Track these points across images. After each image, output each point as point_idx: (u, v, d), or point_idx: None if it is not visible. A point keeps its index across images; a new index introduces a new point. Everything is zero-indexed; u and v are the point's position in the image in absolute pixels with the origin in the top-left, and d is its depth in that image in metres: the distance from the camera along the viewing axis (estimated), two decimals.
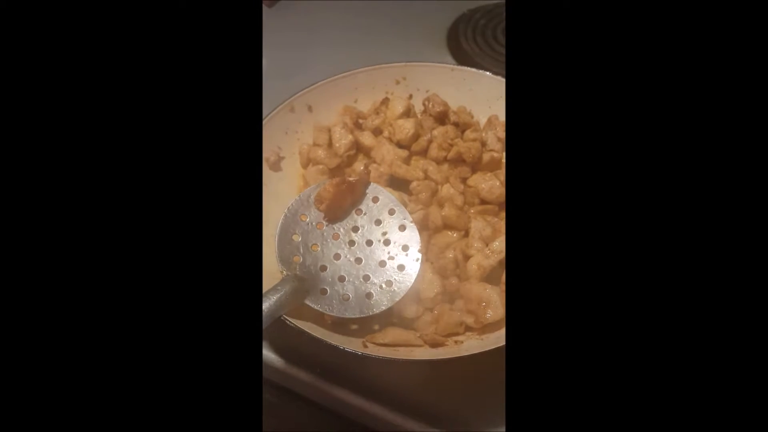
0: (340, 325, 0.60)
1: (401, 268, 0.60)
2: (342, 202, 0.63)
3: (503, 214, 0.73)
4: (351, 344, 0.57)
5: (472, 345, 0.59)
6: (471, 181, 0.75)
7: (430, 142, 0.77)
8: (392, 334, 0.60)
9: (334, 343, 0.54)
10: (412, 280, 0.59)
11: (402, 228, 0.62)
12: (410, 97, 0.84)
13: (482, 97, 0.81)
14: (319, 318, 0.60)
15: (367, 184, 0.65)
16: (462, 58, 0.99)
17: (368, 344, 0.59)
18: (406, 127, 0.77)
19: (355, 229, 0.62)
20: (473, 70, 0.83)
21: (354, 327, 0.61)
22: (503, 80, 0.80)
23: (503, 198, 0.72)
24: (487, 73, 0.81)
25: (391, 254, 0.61)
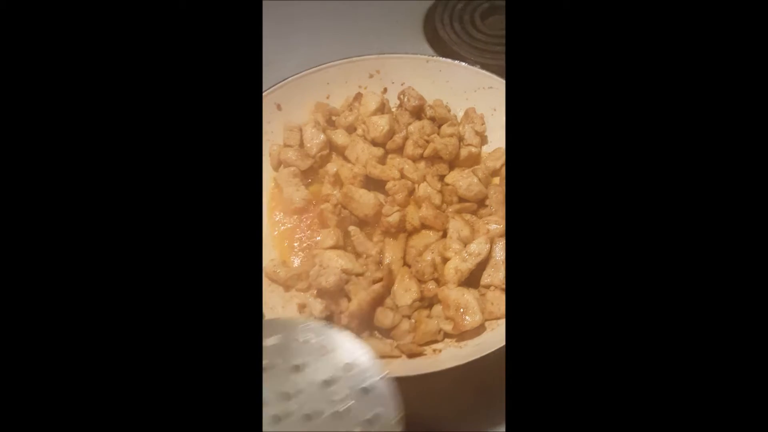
0: None
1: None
2: (372, 311, 0.61)
3: (481, 212, 0.71)
4: None
5: (450, 354, 0.58)
6: (449, 179, 0.73)
7: (405, 139, 0.74)
8: (368, 345, 0.58)
9: None
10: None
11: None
12: (385, 90, 0.81)
13: (459, 88, 0.79)
14: None
15: (391, 284, 0.63)
16: (439, 46, 0.95)
17: None
18: (381, 124, 0.74)
19: None
20: (449, 60, 0.80)
21: None
22: (480, 71, 0.77)
23: (482, 195, 0.70)
24: (463, 63, 0.79)
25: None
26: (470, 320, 0.59)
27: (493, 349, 0.53)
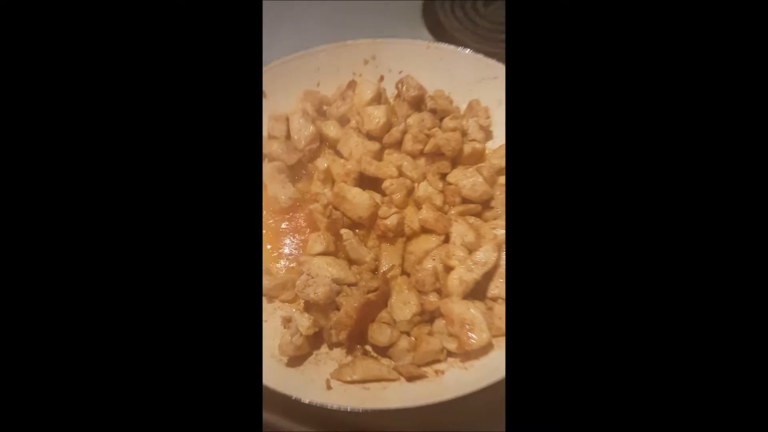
0: (297, 358, 0.52)
1: None
2: (365, 324, 0.55)
3: (486, 215, 0.64)
4: (312, 385, 0.48)
5: (454, 377, 0.52)
6: (451, 178, 0.66)
7: (404, 132, 0.68)
8: (362, 368, 0.52)
9: (286, 392, 0.45)
10: None
11: None
12: (381, 79, 0.74)
13: (462, 78, 0.73)
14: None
15: (388, 295, 0.57)
16: (440, 33, 0.89)
17: (333, 382, 0.50)
18: (377, 115, 0.67)
19: None
20: (452, 47, 0.73)
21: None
22: (484, 58, 0.71)
23: (486, 196, 0.64)
24: (467, 50, 0.72)
25: None
26: (476, 338, 0.52)
27: (502, 376, 0.47)
